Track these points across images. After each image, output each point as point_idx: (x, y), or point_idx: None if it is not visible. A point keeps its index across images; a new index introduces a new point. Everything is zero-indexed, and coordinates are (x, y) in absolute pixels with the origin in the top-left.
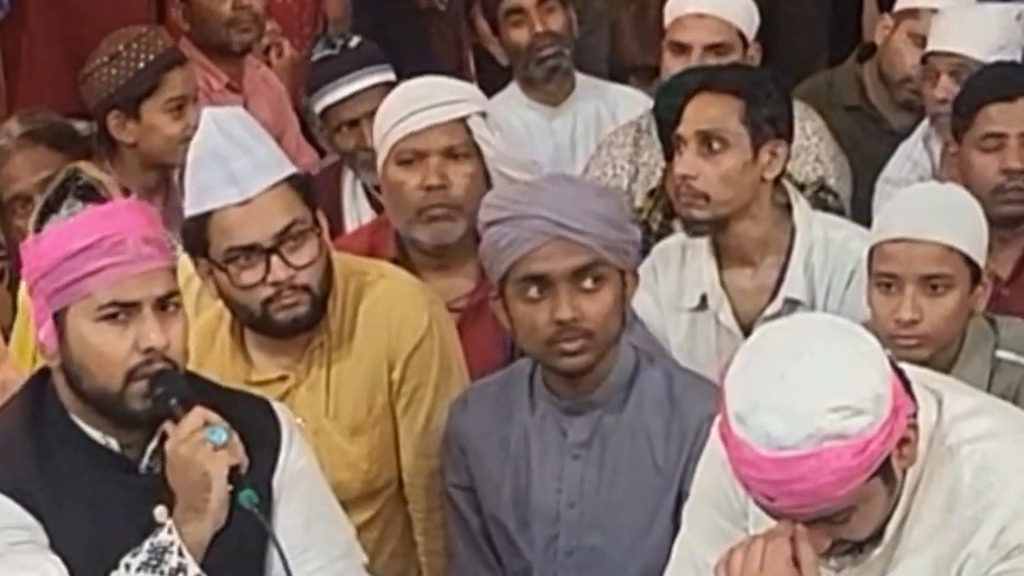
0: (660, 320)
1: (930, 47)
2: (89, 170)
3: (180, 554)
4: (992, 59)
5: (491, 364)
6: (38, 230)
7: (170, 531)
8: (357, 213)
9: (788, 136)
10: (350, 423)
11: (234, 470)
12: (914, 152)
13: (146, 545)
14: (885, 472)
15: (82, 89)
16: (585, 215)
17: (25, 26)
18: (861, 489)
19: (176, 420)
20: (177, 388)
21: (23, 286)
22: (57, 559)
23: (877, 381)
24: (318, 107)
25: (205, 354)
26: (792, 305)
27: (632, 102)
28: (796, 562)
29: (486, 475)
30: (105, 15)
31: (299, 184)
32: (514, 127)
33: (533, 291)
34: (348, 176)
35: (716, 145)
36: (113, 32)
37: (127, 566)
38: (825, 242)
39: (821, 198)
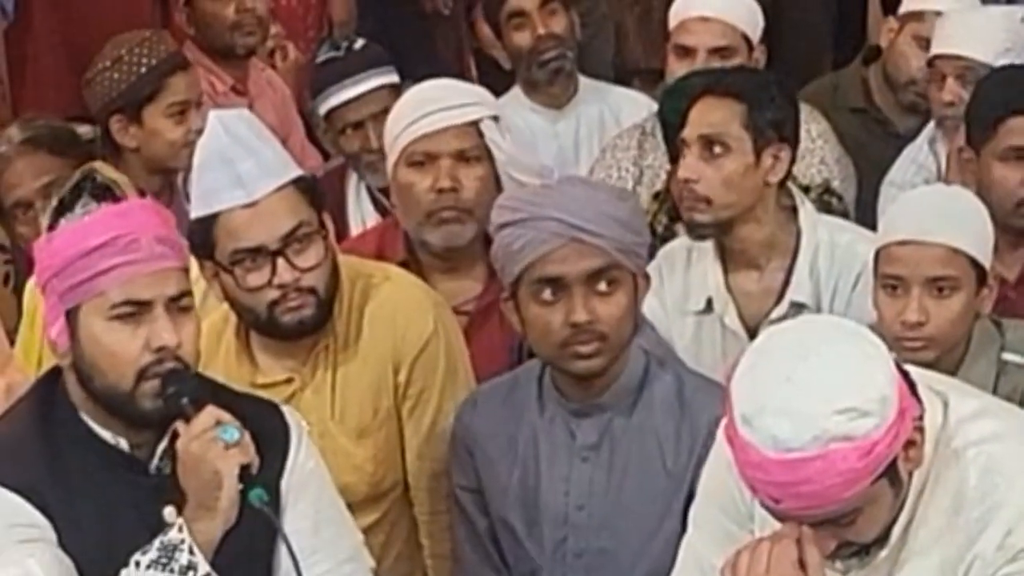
0: (666, 323)
1: (935, 50)
2: (104, 170)
3: (190, 552)
4: (999, 62)
5: (498, 367)
6: (51, 228)
7: (180, 529)
8: (361, 215)
9: (792, 140)
10: (356, 426)
11: (245, 469)
12: (919, 155)
13: (156, 543)
14: (891, 474)
15: (85, 93)
16: (601, 218)
17: (30, 31)
18: (867, 491)
19: (187, 419)
20: (189, 387)
21: (28, 290)
22: (63, 556)
23: (883, 383)
24: (322, 109)
25: (211, 356)
26: (798, 308)
27: (635, 105)
28: (802, 564)
29: (494, 477)
30: (109, 20)
31: (305, 186)
32: (517, 130)
33: (547, 293)
34: (352, 178)
35: (718, 149)
36: (117, 36)
37: (137, 563)
38: (831, 245)
39: (826, 201)
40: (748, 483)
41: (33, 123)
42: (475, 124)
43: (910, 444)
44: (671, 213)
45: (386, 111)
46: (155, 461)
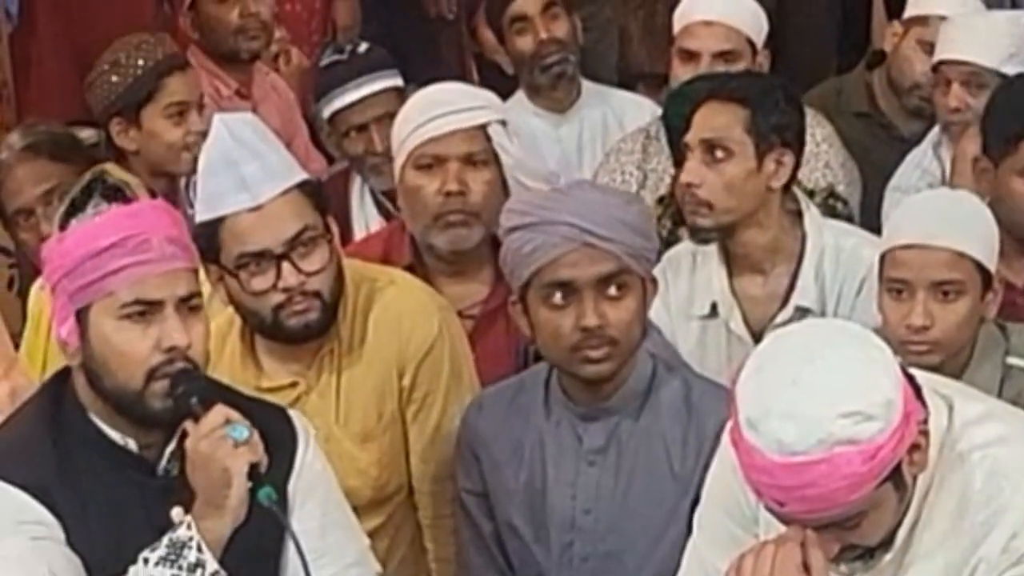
0: (670, 327)
1: (940, 56)
2: (115, 172)
3: (199, 550)
4: (1004, 68)
5: (504, 370)
6: (62, 229)
7: (189, 527)
8: (365, 219)
9: (797, 145)
10: (360, 430)
11: (254, 467)
12: (924, 160)
13: (164, 540)
14: (896, 478)
15: (87, 97)
16: (612, 222)
17: (34, 35)
18: (872, 495)
19: (196, 419)
20: (198, 387)
21: (32, 294)
22: (72, 555)
23: (888, 387)
24: (326, 112)
25: (215, 360)
26: (803, 313)
27: (638, 109)
28: (806, 568)
29: (500, 480)
30: (113, 23)
31: (310, 190)
32: (522, 135)
33: (558, 297)
34: (356, 182)
35: (720, 154)
36: (118, 40)
37: (145, 560)
38: (836, 249)
39: (830, 205)
40: (753, 486)
41: (34, 129)
42: (483, 128)
43: (915, 448)
44: (675, 217)
45: (390, 114)
46: (163, 462)
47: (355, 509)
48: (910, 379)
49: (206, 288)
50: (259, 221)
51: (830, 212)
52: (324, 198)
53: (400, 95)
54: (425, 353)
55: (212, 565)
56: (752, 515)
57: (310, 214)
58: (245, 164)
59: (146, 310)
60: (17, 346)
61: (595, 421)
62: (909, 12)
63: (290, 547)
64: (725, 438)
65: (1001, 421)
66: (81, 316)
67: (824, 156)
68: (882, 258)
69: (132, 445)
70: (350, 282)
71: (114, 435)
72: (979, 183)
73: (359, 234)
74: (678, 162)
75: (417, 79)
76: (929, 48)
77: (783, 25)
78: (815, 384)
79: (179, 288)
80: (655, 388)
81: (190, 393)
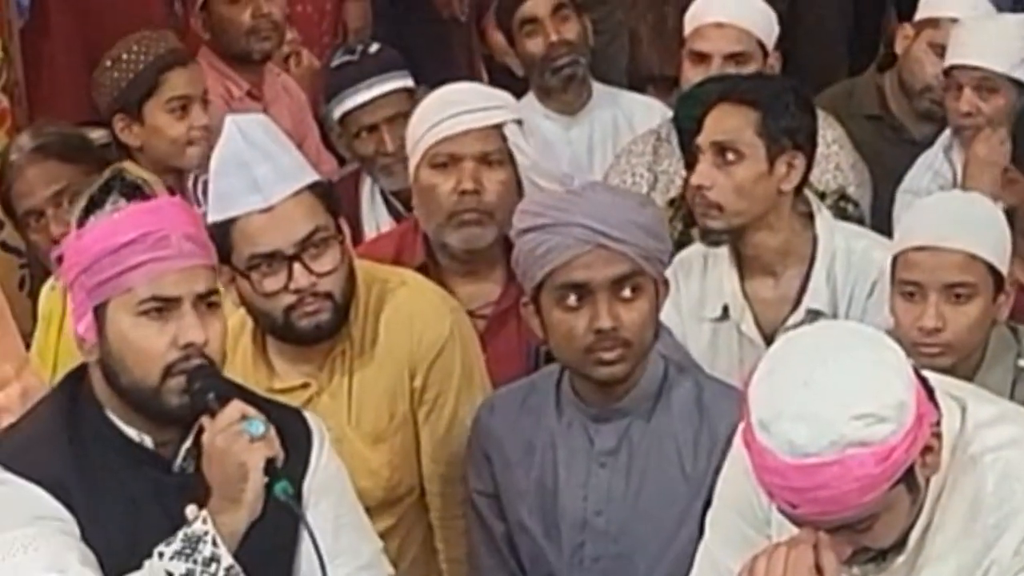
0: (681, 330)
1: (952, 60)
2: (133, 169)
3: (214, 544)
4: (1015, 73)
5: (515, 371)
6: (80, 226)
7: (204, 521)
8: (375, 220)
9: (808, 148)
10: (372, 431)
11: (270, 462)
12: (935, 162)
13: (180, 534)
14: (908, 480)
15: (93, 96)
16: (626, 224)
17: (47, 35)
18: (884, 497)
19: (213, 415)
20: (215, 384)
21: (43, 294)
22: (87, 550)
23: (901, 389)
24: (337, 112)
25: (227, 361)
26: (814, 315)
27: (649, 111)
28: (819, 570)
29: (512, 482)
30: (125, 24)
31: (322, 191)
32: (535, 136)
33: (572, 299)
34: (366, 183)
35: (730, 156)
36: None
37: (160, 554)
38: (847, 252)
39: (841, 207)
40: (765, 488)
41: (44, 130)
42: (499, 128)
43: (927, 450)
44: (686, 219)
45: (401, 115)
46: (179, 460)
47: (367, 510)
48: (923, 381)
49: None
50: (271, 222)
51: (841, 214)
52: (335, 199)
53: (411, 96)
54: (436, 354)
55: (227, 559)
56: (764, 517)
57: (321, 215)
58: (257, 165)
59: (164, 306)
60: (28, 346)
61: (607, 422)
62: (920, 14)
63: (304, 543)
64: (737, 440)
65: (1014, 423)
66: (99, 312)
67: (835, 158)
68: (894, 260)
69: (148, 442)
70: (361, 283)
71: (130, 432)
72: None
73: (369, 235)
74: (689, 164)
75: (427, 80)
76: (940, 51)
77: (794, 27)
78: (827, 386)
79: (197, 285)
80: (667, 389)
81: (207, 389)
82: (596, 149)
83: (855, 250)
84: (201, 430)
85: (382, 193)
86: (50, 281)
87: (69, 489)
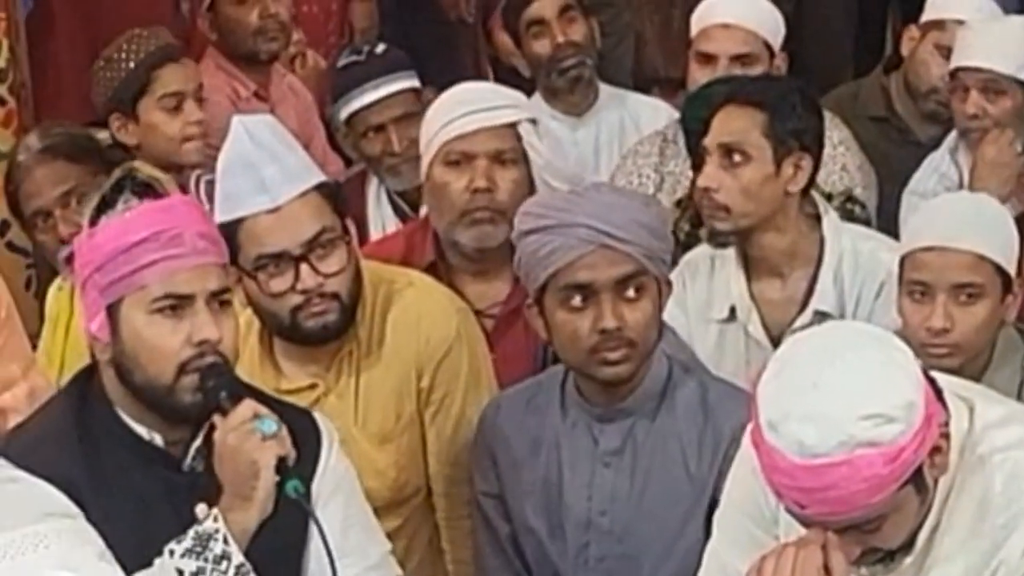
0: (688, 331)
1: (958, 62)
2: (145, 168)
3: (225, 542)
4: (1022, 75)
5: (524, 371)
6: (93, 225)
7: (215, 519)
8: (381, 221)
9: (815, 150)
10: (378, 431)
11: (281, 461)
12: (941, 164)
13: (191, 532)
14: (917, 480)
15: (91, 96)
16: (630, 224)
17: (52, 35)
18: (893, 497)
19: (225, 414)
20: (227, 382)
21: (50, 295)
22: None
23: (909, 389)
24: (344, 113)
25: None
26: (821, 317)
27: (655, 112)
28: (827, 570)
29: (517, 482)
30: (130, 23)
31: (328, 192)
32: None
33: (576, 300)
34: (373, 184)
35: (737, 158)
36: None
37: (171, 552)
38: (854, 253)
39: (848, 208)
40: (774, 489)
41: (52, 131)
42: (513, 126)
43: (936, 450)
44: (693, 220)
45: (408, 115)
46: (189, 459)
47: (373, 511)
48: (931, 381)
49: None
50: (277, 223)
51: (848, 215)
52: (342, 200)
53: (418, 96)
54: (443, 354)
55: (238, 557)
56: (772, 517)
57: (328, 216)
58: (264, 166)
59: (177, 304)
60: (34, 347)
61: (611, 422)
62: (926, 16)
63: (313, 543)
64: (746, 440)
65: (1022, 424)
66: (112, 311)
67: (841, 159)
68: (902, 261)
69: (158, 440)
70: (368, 283)
71: (140, 430)
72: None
73: (375, 236)
74: (696, 166)
75: (434, 81)
76: (946, 52)
77: (800, 28)
78: (836, 386)
79: (210, 283)
80: (671, 389)
81: (220, 387)
82: (602, 150)
83: (862, 251)
84: (211, 430)
85: (388, 194)
86: (57, 281)
87: (79, 487)
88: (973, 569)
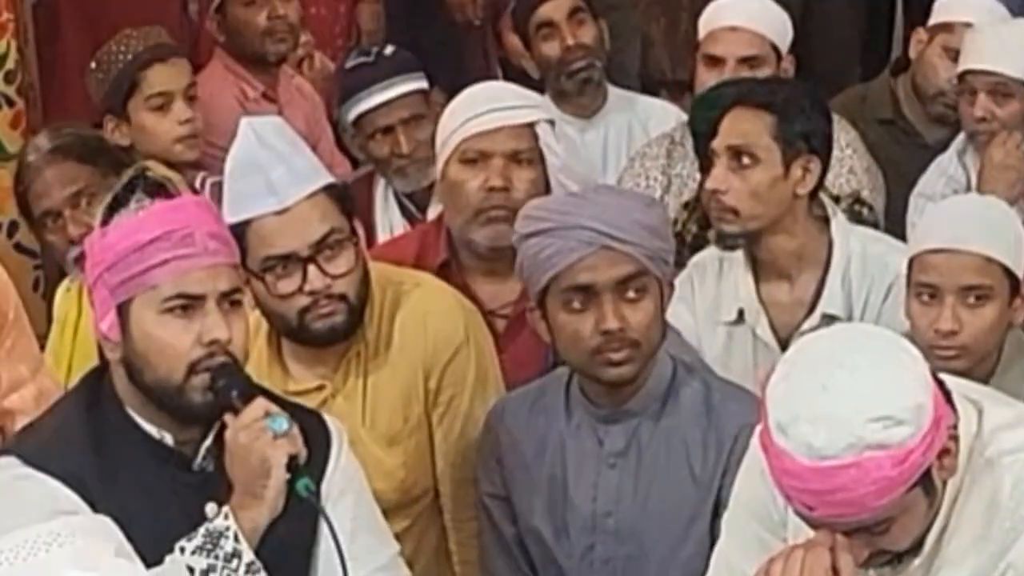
0: (696, 333)
1: (966, 65)
2: (156, 168)
3: (235, 540)
4: None
5: (535, 371)
6: (105, 224)
7: (226, 516)
8: (389, 223)
9: (823, 152)
10: (386, 432)
11: (292, 459)
12: (949, 167)
13: (201, 530)
14: (925, 483)
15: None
16: (630, 225)
17: (58, 36)
18: (901, 499)
19: (236, 413)
20: (238, 382)
21: (58, 296)
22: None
23: (918, 391)
24: (352, 114)
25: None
26: (829, 320)
27: (664, 115)
28: (835, 572)
29: (522, 484)
30: (137, 24)
31: (336, 193)
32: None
33: (577, 302)
34: (380, 185)
35: (746, 160)
36: None
37: (182, 549)
38: (863, 256)
39: (856, 211)
40: (782, 491)
41: (61, 131)
42: (531, 127)
43: (944, 453)
44: (701, 222)
45: (416, 116)
46: (199, 458)
47: (381, 512)
48: (940, 384)
49: None
50: (285, 224)
51: (856, 218)
52: (350, 201)
53: (426, 98)
54: (451, 356)
55: (248, 555)
56: (780, 519)
57: (336, 217)
58: (272, 167)
59: (188, 304)
60: (42, 348)
61: (615, 423)
62: (934, 19)
63: (322, 542)
64: (754, 442)
65: None
66: (122, 310)
67: (849, 162)
68: (910, 263)
69: (169, 440)
70: (376, 285)
71: (151, 429)
72: None
73: (383, 238)
74: (704, 168)
75: (441, 83)
76: (954, 55)
77: (807, 31)
78: (845, 388)
79: (221, 283)
80: (675, 390)
81: (230, 387)
82: (610, 153)
83: (871, 254)
84: (222, 429)
85: (396, 195)
86: (65, 282)
87: (89, 486)
88: (981, 571)
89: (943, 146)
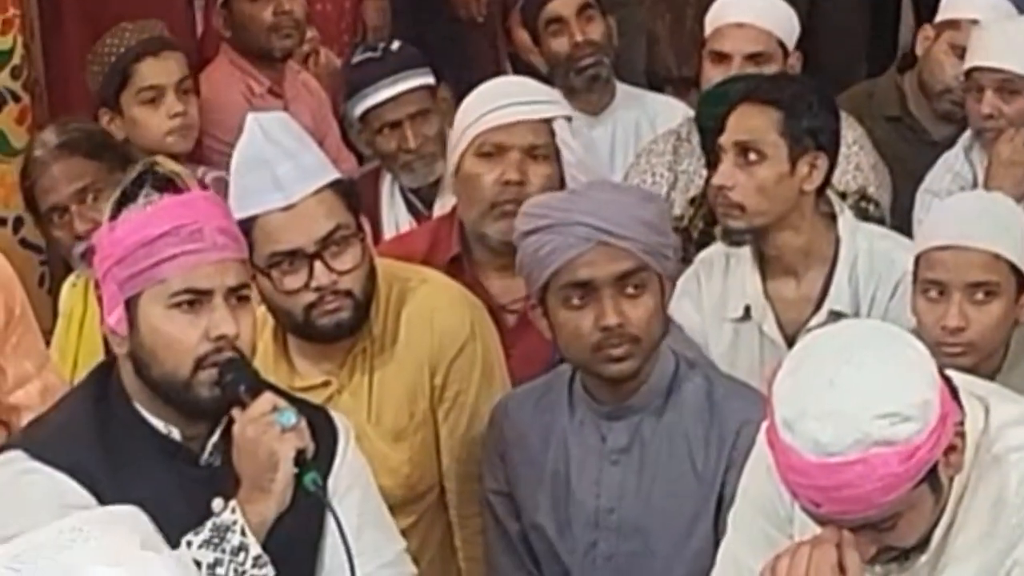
0: (703, 329)
1: (973, 62)
2: (166, 163)
3: (242, 533)
4: None
5: (545, 366)
6: (113, 219)
7: (233, 511)
8: (395, 218)
9: (831, 148)
10: (392, 428)
11: (300, 453)
12: (955, 164)
13: (208, 524)
14: (932, 479)
15: None
16: (628, 220)
17: (63, 35)
18: (908, 496)
19: (243, 408)
20: (246, 376)
21: (64, 292)
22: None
23: (925, 388)
24: (359, 109)
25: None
26: (836, 317)
27: (672, 111)
28: (842, 569)
29: (525, 481)
30: (141, 18)
31: (343, 189)
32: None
33: (576, 298)
34: (386, 181)
35: (753, 156)
36: None
37: (188, 543)
38: (870, 253)
39: (862, 207)
40: (789, 487)
41: (68, 127)
42: (548, 122)
43: (951, 449)
44: (707, 218)
45: (423, 111)
46: (206, 454)
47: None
48: (947, 380)
49: None
50: (292, 220)
51: (862, 214)
52: (356, 197)
53: (433, 93)
54: (457, 352)
55: (255, 549)
56: (787, 515)
57: (343, 213)
58: (278, 163)
59: (196, 299)
60: (47, 343)
61: (618, 420)
62: (941, 16)
63: (328, 536)
64: (760, 438)
65: None
66: (130, 305)
67: (855, 158)
68: (917, 259)
69: (176, 435)
70: (382, 281)
71: (158, 424)
72: None
73: (389, 234)
74: (711, 164)
75: (446, 79)
76: (960, 52)
77: (814, 27)
78: (852, 384)
79: (229, 278)
80: (677, 386)
81: (238, 381)
82: (618, 149)
83: (878, 251)
84: (229, 424)
85: (402, 191)
86: (71, 278)
87: (97, 479)
88: (987, 568)
89: (950, 143)
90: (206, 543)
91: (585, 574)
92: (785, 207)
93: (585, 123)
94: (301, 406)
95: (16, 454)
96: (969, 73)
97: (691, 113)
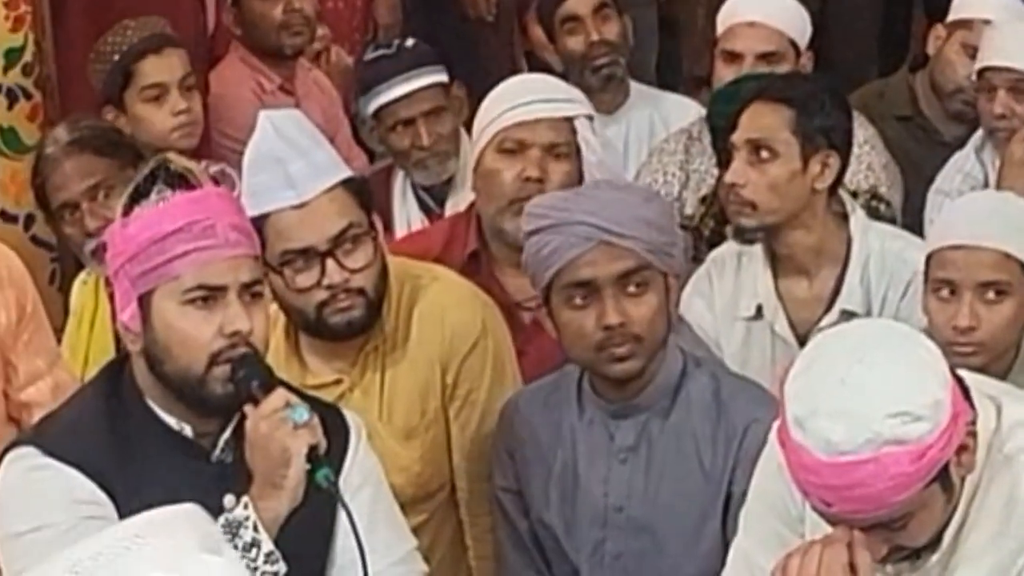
0: (715, 328)
1: (985, 62)
2: (178, 159)
3: (254, 529)
4: None
5: (561, 364)
6: (126, 215)
7: (245, 507)
8: (407, 216)
9: (843, 147)
10: (403, 426)
11: (312, 449)
12: (967, 163)
13: (220, 520)
14: (943, 479)
15: None
16: (629, 219)
17: (72, 32)
18: (919, 495)
19: (256, 404)
20: (259, 372)
21: (75, 288)
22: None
23: (937, 387)
24: (372, 106)
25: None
26: (848, 317)
27: (686, 111)
28: (853, 568)
29: (534, 478)
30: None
31: (355, 187)
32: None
33: (579, 298)
34: (398, 179)
35: (765, 154)
36: None
37: None
38: (882, 253)
39: (874, 207)
40: (800, 486)
41: (80, 124)
42: (569, 121)
43: (962, 449)
44: (718, 217)
45: (436, 109)
46: (218, 450)
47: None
48: (959, 380)
49: None
50: (304, 218)
51: (873, 214)
52: (368, 195)
53: (446, 91)
54: (468, 350)
55: (267, 545)
56: (798, 515)
57: (355, 211)
58: (291, 161)
59: (209, 295)
60: (58, 340)
61: (626, 418)
62: (953, 16)
63: (340, 532)
64: (772, 437)
65: None
66: (143, 301)
67: (866, 158)
68: (928, 259)
69: (188, 431)
70: (394, 279)
71: (170, 421)
72: None
73: (400, 232)
74: (723, 162)
75: (459, 77)
76: (972, 52)
77: (826, 27)
78: (864, 384)
79: (242, 274)
80: (684, 384)
81: (251, 377)
82: (631, 148)
83: (890, 251)
84: (241, 421)
85: (414, 188)
86: (82, 275)
87: (108, 475)
88: (999, 567)
89: (961, 143)
90: None
91: (594, 572)
92: (797, 205)
93: (599, 122)
94: (313, 403)
95: (28, 450)
96: (981, 73)
97: (704, 112)
